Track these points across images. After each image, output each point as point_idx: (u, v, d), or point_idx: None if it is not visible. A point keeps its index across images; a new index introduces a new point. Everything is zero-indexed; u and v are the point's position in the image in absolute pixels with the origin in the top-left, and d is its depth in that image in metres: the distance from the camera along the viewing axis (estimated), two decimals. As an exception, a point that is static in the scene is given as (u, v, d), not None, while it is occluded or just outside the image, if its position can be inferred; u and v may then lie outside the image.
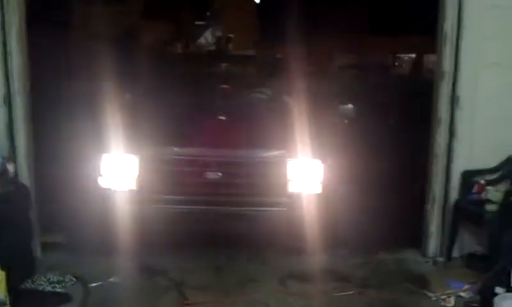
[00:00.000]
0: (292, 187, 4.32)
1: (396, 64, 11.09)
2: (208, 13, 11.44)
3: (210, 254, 4.51)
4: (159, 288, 3.97)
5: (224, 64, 6.57)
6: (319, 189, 4.35)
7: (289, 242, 4.47)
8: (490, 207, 4.11)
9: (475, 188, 4.32)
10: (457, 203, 4.42)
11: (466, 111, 4.34)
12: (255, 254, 4.53)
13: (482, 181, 4.30)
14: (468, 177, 4.40)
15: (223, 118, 5.06)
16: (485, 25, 4.26)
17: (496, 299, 3.42)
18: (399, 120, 8.06)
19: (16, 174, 4.17)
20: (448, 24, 4.30)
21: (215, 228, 4.49)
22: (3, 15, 4.11)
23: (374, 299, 3.86)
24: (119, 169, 4.30)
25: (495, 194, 4.17)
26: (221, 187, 4.28)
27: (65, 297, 3.77)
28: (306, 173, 4.35)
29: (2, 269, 3.55)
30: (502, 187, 4.24)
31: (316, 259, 4.44)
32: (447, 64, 4.35)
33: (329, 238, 4.41)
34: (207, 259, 4.44)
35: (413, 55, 10.93)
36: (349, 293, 3.93)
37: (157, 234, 4.41)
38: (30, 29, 4.35)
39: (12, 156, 4.21)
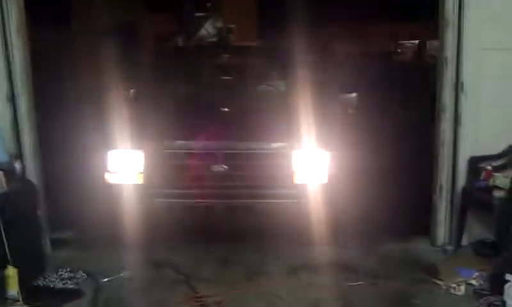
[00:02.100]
0: (299, 179, 4.31)
1: (399, 51, 11.03)
2: (208, 4, 11.35)
3: (218, 247, 4.52)
4: (169, 282, 3.99)
5: (226, 56, 6.52)
6: (325, 180, 4.35)
7: (297, 233, 4.47)
8: (498, 193, 4.08)
9: (483, 175, 4.30)
10: (464, 190, 4.41)
11: (470, 97, 4.32)
12: (263, 246, 4.53)
13: (489, 168, 4.28)
14: (475, 163, 4.39)
15: (227, 110, 5.05)
16: (487, 6, 4.23)
17: (506, 286, 3.42)
18: (403, 108, 8.03)
19: (23, 172, 4.18)
20: (450, 5, 4.25)
21: (222, 221, 4.50)
22: (2, 11, 4.08)
23: (383, 288, 3.86)
24: (125, 165, 4.31)
25: (502, 180, 4.14)
26: (227, 180, 4.28)
27: (77, 293, 3.80)
28: (312, 163, 4.35)
29: (14, 266, 3.58)
30: (510, 173, 4.20)
31: (324, 250, 4.45)
32: (450, 49, 4.32)
33: (337, 228, 4.41)
34: (215, 252, 4.45)
35: (416, 42, 10.88)
36: (358, 283, 3.94)
37: (165, 228, 4.43)
38: (30, 25, 4.32)
39: (19, 154, 4.22)
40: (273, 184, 4.29)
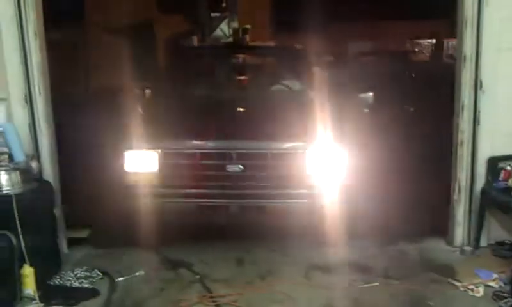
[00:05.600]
0: (313, 179, 4.28)
1: (416, 50, 10.90)
2: (223, 4, 11.33)
3: (232, 247, 4.51)
4: (183, 282, 4.00)
5: (241, 56, 6.52)
6: (340, 180, 4.30)
7: (311, 233, 4.45)
8: (517, 194, 4.03)
9: (502, 175, 4.23)
10: (483, 190, 4.33)
11: (489, 95, 4.25)
12: (277, 246, 4.52)
13: (509, 168, 4.22)
14: (494, 163, 4.31)
15: (242, 109, 5.04)
16: (507, 5, 4.16)
17: (526, 288, 3.37)
18: (421, 107, 7.95)
19: (40, 171, 4.22)
20: (469, 2, 4.19)
21: (236, 221, 4.49)
22: (21, 14, 4.11)
23: (398, 289, 3.81)
24: (141, 165, 4.31)
25: (522, 180, 4.08)
26: (242, 180, 4.26)
27: (92, 292, 3.82)
28: (327, 164, 4.31)
29: (31, 265, 3.62)
30: (530, 174, 4.15)
31: (338, 250, 4.42)
32: (469, 47, 4.25)
33: (351, 228, 4.37)
34: (229, 252, 4.44)
35: (433, 41, 10.75)
36: (373, 284, 3.89)
37: (180, 228, 4.43)
38: (46, 25, 4.35)
39: (36, 154, 4.26)
40: (288, 184, 4.26)
